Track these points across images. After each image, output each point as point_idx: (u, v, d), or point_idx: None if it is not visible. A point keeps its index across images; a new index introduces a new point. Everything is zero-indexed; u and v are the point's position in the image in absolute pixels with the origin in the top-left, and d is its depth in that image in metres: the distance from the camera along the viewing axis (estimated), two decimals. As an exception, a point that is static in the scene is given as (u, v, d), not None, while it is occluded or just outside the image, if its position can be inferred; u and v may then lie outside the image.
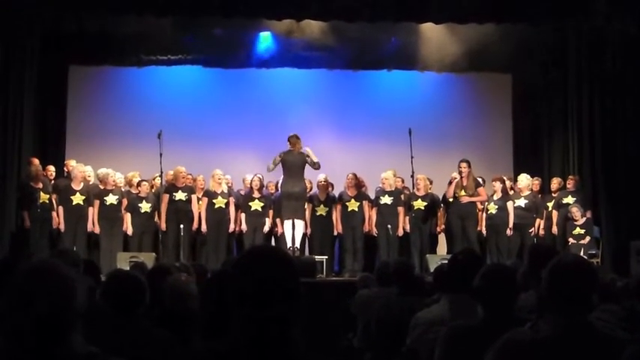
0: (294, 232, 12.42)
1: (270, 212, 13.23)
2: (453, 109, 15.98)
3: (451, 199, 13.07)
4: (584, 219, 13.15)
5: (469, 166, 12.96)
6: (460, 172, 12.92)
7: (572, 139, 14.59)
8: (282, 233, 12.80)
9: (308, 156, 12.43)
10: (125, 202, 12.94)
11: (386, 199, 13.11)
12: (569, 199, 13.46)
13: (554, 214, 13.58)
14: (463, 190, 12.90)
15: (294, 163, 12.38)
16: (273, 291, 2.41)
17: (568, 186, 13.69)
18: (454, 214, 13.01)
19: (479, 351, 3.15)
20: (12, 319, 2.35)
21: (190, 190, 13.03)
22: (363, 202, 13.24)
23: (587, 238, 13.06)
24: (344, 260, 13.29)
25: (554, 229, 13.53)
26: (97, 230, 12.81)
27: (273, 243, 12.95)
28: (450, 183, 13.00)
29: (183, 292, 5.09)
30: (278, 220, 13.01)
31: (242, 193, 13.64)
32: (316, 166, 12.55)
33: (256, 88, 15.74)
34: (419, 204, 13.10)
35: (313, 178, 13.29)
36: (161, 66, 15.72)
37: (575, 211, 13.08)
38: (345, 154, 15.23)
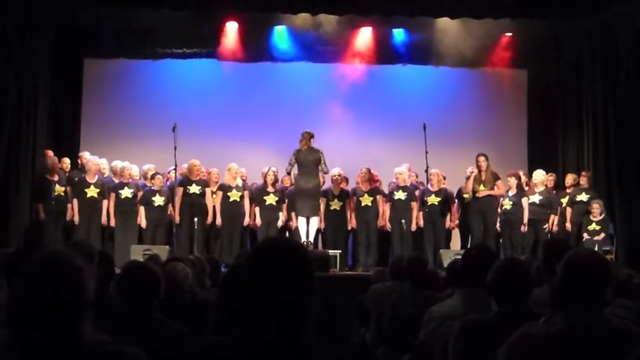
0: (308, 227, 12.43)
1: (284, 206, 13.26)
2: (468, 105, 15.93)
3: (467, 195, 13.07)
4: (602, 216, 13.11)
5: (487, 160, 12.95)
6: (479, 167, 12.91)
7: (587, 135, 14.55)
8: (296, 227, 12.79)
9: (322, 155, 12.40)
10: (140, 195, 12.98)
11: (400, 194, 13.11)
12: (583, 196, 13.44)
13: (568, 210, 13.55)
14: (482, 185, 12.89)
15: (307, 160, 12.37)
16: (287, 283, 2.40)
17: (581, 183, 13.66)
18: (475, 211, 12.98)
19: (492, 345, 3.15)
20: (23, 308, 2.37)
21: (204, 183, 13.06)
22: (377, 196, 13.23)
23: (602, 235, 13.02)
24: (357, 255, 13.30)
25: (568, 226, 13.50)
26: (112, 223, 12.85)
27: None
28: (468, 178, 12.98)
29: (174, 281, 5.13)
30: (292, 214, 13.01)
31: (254, 187, 13.64)
32: (325, 170, 12.53)
33: (271, 82, 15.74)
34: (432, 199, 13.10)
35: (327, 173, 13.26)
36: (176, 59, 15.72)
37: (596, 207, 13.05)
38: (360, 149, 15.19)
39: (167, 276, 4.94)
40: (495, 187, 12.99)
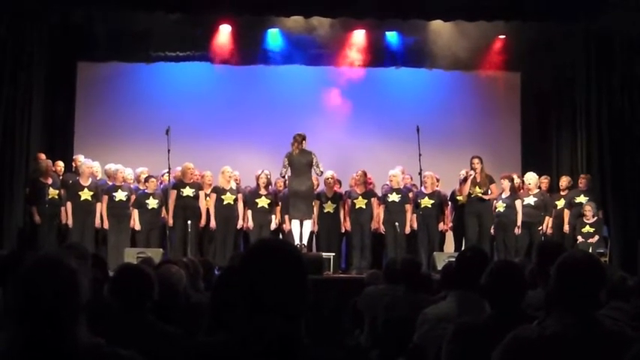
0: (302, 229, 12.43)
1: (278, 209, 13.25)
2: (462, 107, 15.94)
3: (461, 197, 13.10)
4: (595, 218, 13.11)
5: (481, 162, 12.98)
6: (473, 169, 12.92)
7: (581, 138, 14.55)
8: (290, 230, 12.79)
9: (314, 157, 12.38)
10: (133, 198, 12.97)
11: (394, 197, 13.11)
12: (582, 198, 13.39)
13: (566, 212, 13.52)
14: (477, 187, 12.90)
15: (300, 162, 12.36)
16: (280, 284, 2.40)
17: (580, 185, 13.63)
18: (471, 213, 13.01)
19: (486, 348, 3.15)
20: (17, 310, 2.37)
21: (198, 186, 13.04)
22: (371, 199, 13.23)
23: (596, 237, 13.01)
24: (351, 257, 13.30)
25: (566, 228, 13.45)
26: (105, 226, 12.84)
27: (280, 239, 12.89)
28: (465, 180, 12.99)
29: (168, 283, 5.13)
30: (286, 217, 13.00)
31: (248, 190, 13.62)
32: (318, 172, 12.53)
33: (265, 84, 15.73)
34: (426, 202, 13.09)
35: (321, 175, 13.26)
36: (170, 62, 15.71)
37: (589, 210, 13.04)
38: (353, 152, 15.21)
39: (161, 278, 4.93)
40: (489, 191, 13.01)
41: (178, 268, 5.52)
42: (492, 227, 13.21)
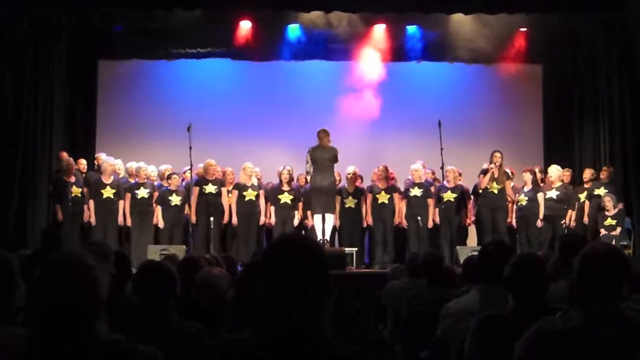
0: (324, 224, 12.42)
1: (300, 205, 13.26)
2: (483, 101, 15.86)
3: (481, 190, 13.05)
4: (616, 210, 13.03)
5: (502, 157, 12.93)
6: (494, 163, 12.86)
7: (604, 130, 14.46)
8: (312, 226, 12.78)
9: (337, 152, 12.40)
10: (156, 195, 13.01)
11: (416, 191, 13.09)
12: (602, 191, 13.35)
13: (587, 204, 13.48)
14: (495, 182, 12.86)
15: (323, 158, 12.37)
16: (302, 279, 2.40)
17: (601, 177, 13.58)
18: (485, 206, 12.98)
19: (510, 340, 3.14)
20: (38, 307, 2.39)
21: (220, 183, 13.08)
22: (394, 194, 13.21)
23: (619, 229, 12.94)
24: (374, 252, 13.27)
25: (586, 220, 13.44)
26: (128, 223, 12.90)
27: (302, 235, 12.89)
28: (486, 172, 12.92)
29: (213, 285, 5.12)
30: (308, 213, 13.00)
31: (270, 186, 13.64)
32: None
33: (285, 80, 15.73)
34: (448, 196, 13.07)
35: (342, 170, 13.25)
36: (190, 59, 15.74)
37: (608, 201, 12.98)
38: (375, 146, 15.19)
39: (207, 282, 4.93)
40: (506, 187, 12.99)
41: (221, 270, 5.49)
42: (514, 221, 13.21)
